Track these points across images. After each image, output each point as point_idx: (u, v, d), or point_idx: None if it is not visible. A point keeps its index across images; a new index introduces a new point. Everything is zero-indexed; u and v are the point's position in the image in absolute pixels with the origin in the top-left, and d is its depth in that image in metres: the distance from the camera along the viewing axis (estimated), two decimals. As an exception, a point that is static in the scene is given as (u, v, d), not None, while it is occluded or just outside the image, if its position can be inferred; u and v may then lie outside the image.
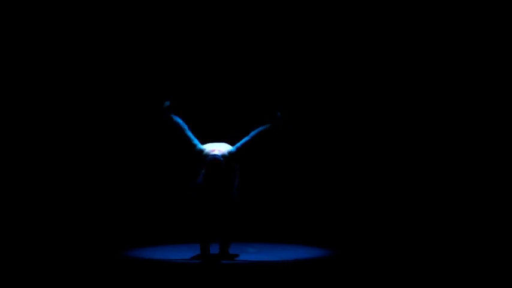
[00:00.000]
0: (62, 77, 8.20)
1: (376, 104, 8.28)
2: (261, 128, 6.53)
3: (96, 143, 8.25)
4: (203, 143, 6.61)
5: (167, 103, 6.58)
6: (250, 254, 6.81)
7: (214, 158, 6.36)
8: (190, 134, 6.56)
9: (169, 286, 5.51)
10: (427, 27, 8.08)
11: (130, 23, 8.21)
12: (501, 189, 7.72)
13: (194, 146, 6.52)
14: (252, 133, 6.53)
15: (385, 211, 8.08)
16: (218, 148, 6.51)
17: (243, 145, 6.51)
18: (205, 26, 8.28)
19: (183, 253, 6.70)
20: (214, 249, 6.61)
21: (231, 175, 6.54)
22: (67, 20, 8.11)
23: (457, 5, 7.98)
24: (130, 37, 8.24)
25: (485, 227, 7.54)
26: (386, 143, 8.23)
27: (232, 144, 6.61)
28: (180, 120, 6.56)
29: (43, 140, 8.09)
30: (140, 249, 7.08)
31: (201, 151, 6.49)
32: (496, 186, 7.75)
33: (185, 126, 6.56)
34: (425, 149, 8.11)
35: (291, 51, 8.32)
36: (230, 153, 6.48)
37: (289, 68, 8.33)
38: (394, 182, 8.12)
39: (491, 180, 7.79)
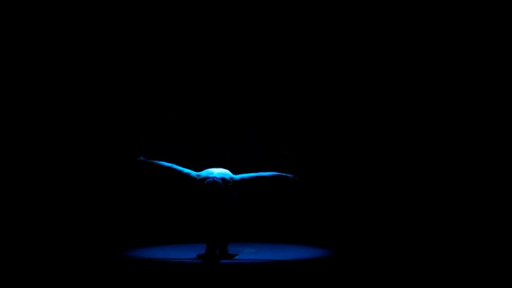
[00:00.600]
0: (62, 78, 8.19)
1: (375, 104, 8.28)
2: (273, 173, 6.46)
3: (95, 144, 8.25)
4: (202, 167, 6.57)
5: (141, 157, 6.54)
6: (250, 254, 6.81)
7: (213, 180, 6.25)
8: (179, 168, 6.45)
9: (169, 286, 5.52)
10: (427, 27, 8.09)
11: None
12: (501, 189, 7.72)
13: (187, 174, 6.41)
14: (263, 173, 6.46)
15: (385, 211, 8.07)
16: (217, 171, 6.41)
17: (249, 179, 6.43)
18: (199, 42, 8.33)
19: (183, 253, 6.70)
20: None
21: (230, 200, 6.43)
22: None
23: (457, 5, 7.98)
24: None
25: (485, 227, 7.53)
26: (386, 143, 8.22)
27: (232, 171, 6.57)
28: (163, 162, 6.50)
29: (43, 140, 8.08)
30: (140, 249, 7.08)
31: (199, 176, 6.39)
32: (496, 186, 7.75)
33: (170, 164, 6.47)
34: (425, 149, 8.10)
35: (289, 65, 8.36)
36: (233, 179, 6.38)
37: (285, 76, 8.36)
38: (394, 182, 8.12)
39: (491, 180, 7.78)
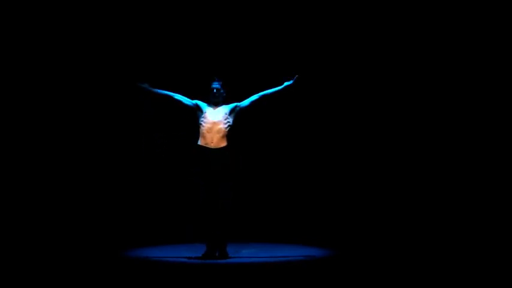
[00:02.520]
0: (62, 79, 8.19)
1: (375, 105, 8.28)
2: (273, 89, 6.63)
3: (96, 144, 8.25)
4: None
5: (144, 84, 6.67)
6: (249, 254, 6.81)
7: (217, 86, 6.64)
8: (180, 96, 6.69)
9: (169, 286, 5.52)
10: (425, 24, 8.10)
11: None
12: (501, 189, 7.71)
13: (190, 101, 6.66)
14: (262, 93, 6.65)
15: (385, 211, 8.07)
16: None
17: (251, 102, 6.65)
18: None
19: (183, 253, 6.70)
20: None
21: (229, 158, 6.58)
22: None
23: (457, 5, 7.98)
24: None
25: (485, 227, 7.53)
26: (386, 143, 8.22)
27: None
28: (164, 91, 6.68)
29: (43, 140, 8.08)
30: (140, 249, 7.09)
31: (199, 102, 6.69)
32: (496, 186, 7.74)
33: (172, 93, 6.70)
34: (425, 149, 8.10)
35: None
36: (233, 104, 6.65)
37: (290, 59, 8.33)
38: (394, 182, 8.12)
39: (491, 180, 7.78)
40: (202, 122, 6.57)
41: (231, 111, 6.62)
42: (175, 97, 6.69)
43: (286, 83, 6.64)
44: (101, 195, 8.17)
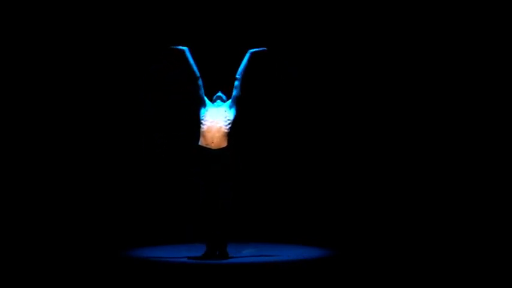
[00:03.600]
0: (62, 79, 8.19)
1: (375, 105, 8.28)
2: (247, 57, 6.62)
3: (96, 144, 8.25)
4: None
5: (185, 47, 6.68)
6: (249, 254, 6.81)
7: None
8: (201, 82, 6.67)
9: (168, 286, 5.52)
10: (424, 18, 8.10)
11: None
12: (501, 189, 7.71)
13: (202, 93, 6.66)
14: (241, 68, 6.64)
15: (385, 211, 8.07)
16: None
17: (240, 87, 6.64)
18: None
19: (183, 253, 6.70)
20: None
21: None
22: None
23: (457, 5, 7.98)
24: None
25: (485, 227, 7.53)
26: (386, 143, 8.22)
27: None
28: (196, 68, 6.66)
29: (43, 140, 8.08)
30: (140, 249, 7.09)
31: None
32: (496, 186, 7.74)
33: (199, 74, 6.66)
34: (425, 149, 8.10)
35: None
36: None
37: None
38: (394, 182, 8.12)
39: (491, 180, 7.78)
40: (202, 121, 6.57)
41: (230, 107, 6.64)
42: (199, 82, 6.68)
43: (251, 50, 6.64)
44: (101, 195, 8.17)
